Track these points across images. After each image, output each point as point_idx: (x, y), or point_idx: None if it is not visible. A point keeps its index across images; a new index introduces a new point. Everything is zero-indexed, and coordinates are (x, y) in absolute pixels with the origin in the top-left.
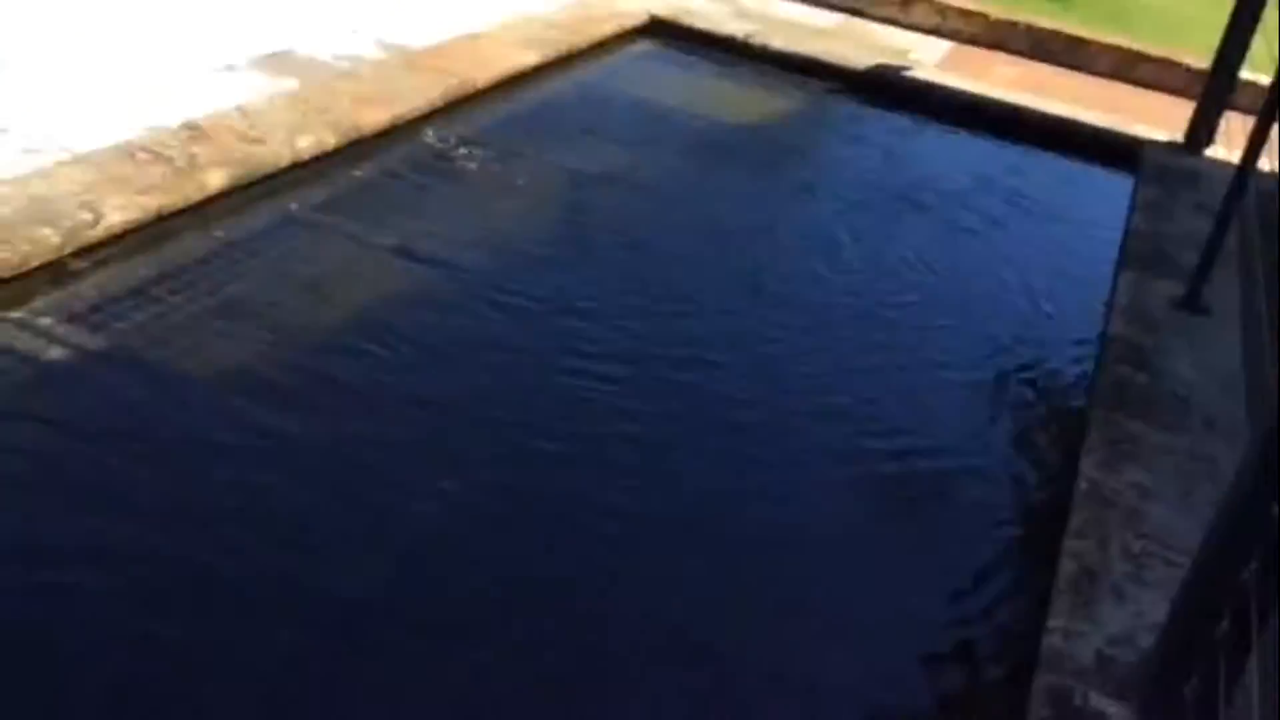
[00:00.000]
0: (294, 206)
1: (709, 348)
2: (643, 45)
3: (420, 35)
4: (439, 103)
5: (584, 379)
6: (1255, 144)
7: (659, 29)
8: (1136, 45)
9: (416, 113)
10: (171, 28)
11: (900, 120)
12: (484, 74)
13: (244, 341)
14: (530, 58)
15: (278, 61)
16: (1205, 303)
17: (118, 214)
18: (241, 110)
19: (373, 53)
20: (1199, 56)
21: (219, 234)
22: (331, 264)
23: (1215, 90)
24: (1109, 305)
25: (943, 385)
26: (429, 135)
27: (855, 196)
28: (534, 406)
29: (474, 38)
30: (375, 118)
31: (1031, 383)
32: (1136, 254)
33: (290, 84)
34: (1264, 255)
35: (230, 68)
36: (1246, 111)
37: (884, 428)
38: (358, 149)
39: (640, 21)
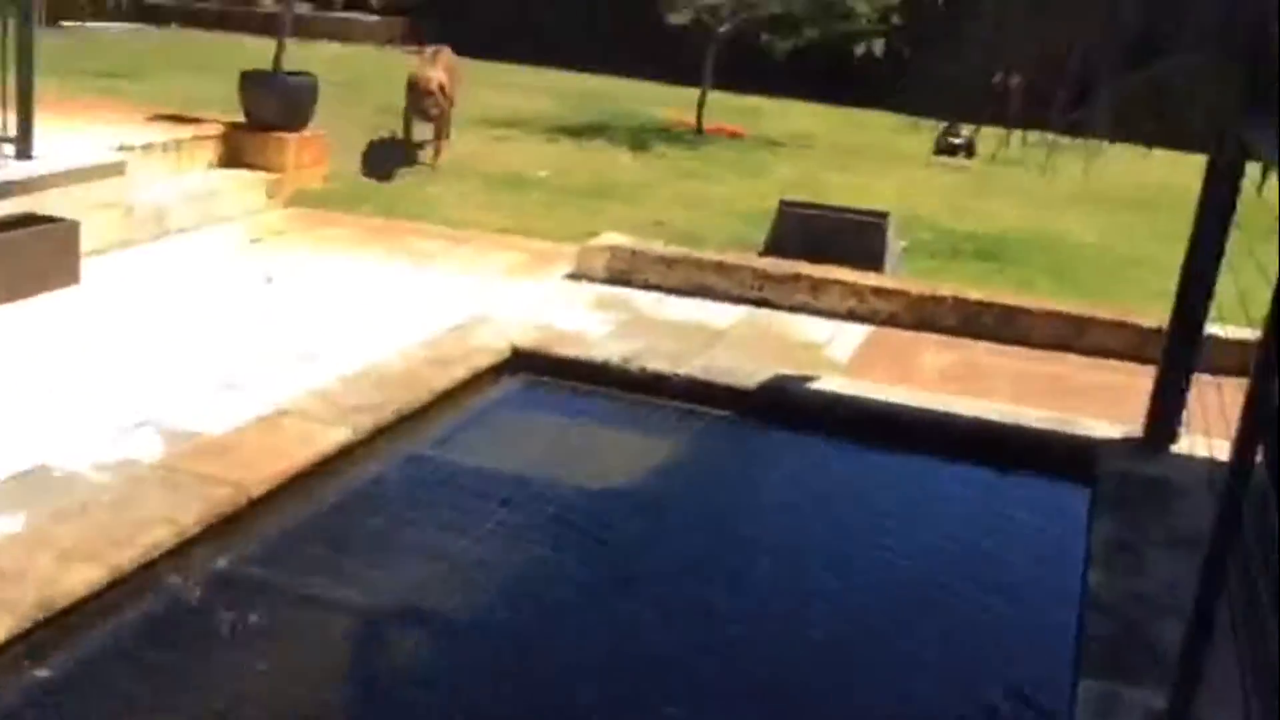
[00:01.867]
0: None
1: None
2: (503, 388)
3: (222, 418)
4: (192, 531)
5: None
6: (1245, 438)
7: (524, 363)
8: (1078, 310)
9: (154, 554)
10: None
11: (810, 446)
12: (267, 473)
13: None
14: (339, 435)
15: (16, 489)
16: None
17: None
18: None
19: (149, 455)
20: (1155, 311)
21: None
22: None
23: (1174, 363)
24: None
25: None
26: (163, 586)
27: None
28: None
29: (278, 416)
30: (85, 577)
31: None
32: (1097, 642)
33: (8, 528)
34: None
35: None
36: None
37: None
38: (47, 635)
39: (499, 358)
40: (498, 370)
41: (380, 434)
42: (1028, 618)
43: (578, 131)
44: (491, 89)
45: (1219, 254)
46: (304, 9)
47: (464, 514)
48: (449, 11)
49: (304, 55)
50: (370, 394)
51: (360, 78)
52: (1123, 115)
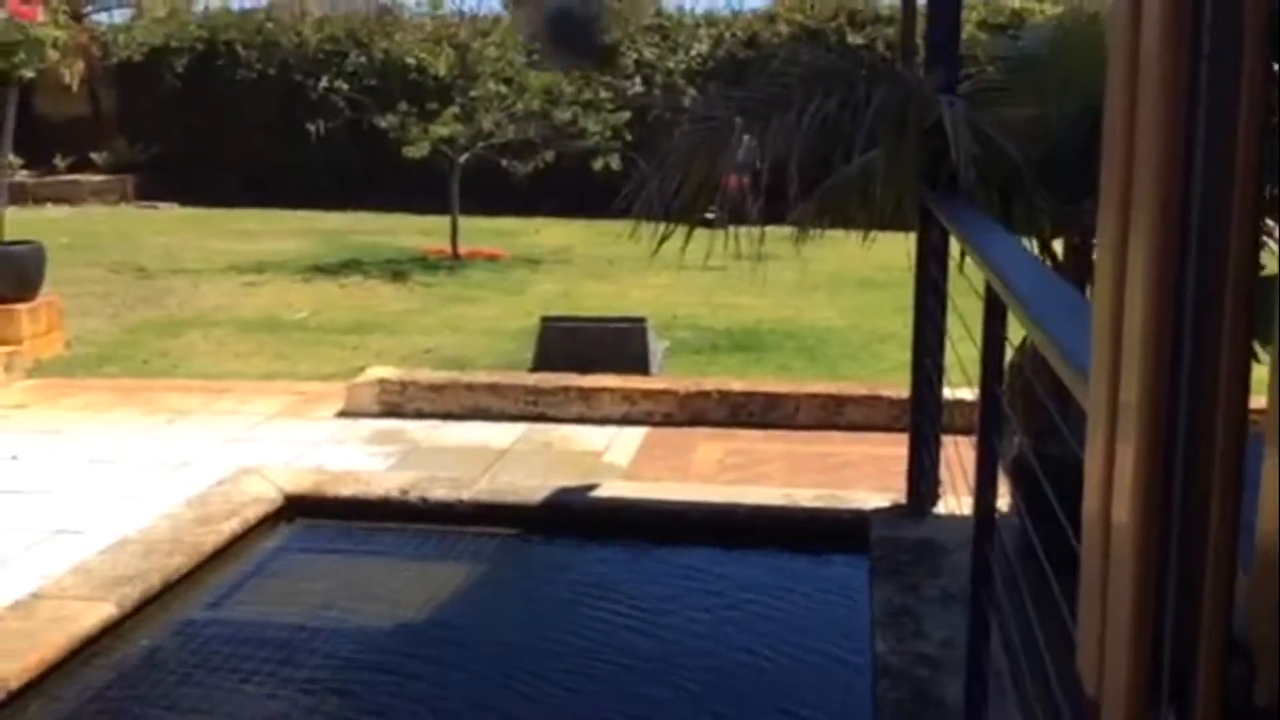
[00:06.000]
0: None
1: None
2: (280, 538)
3: None
4: None
5: None
6: (981, 492)
7: (299, 509)
8: (833, 389)
9: None
10: None
11: (599, 553)
12: (27, 662)
13: None
14: (105, 611)
15: None
16: None
17: None
18: None
19: None
20: (904, 381)
21: None
22: None
23: (920, 430)
24: None
25: None
26: None
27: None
28: None
29: (33, 599)
30: None
31: None
32: (890, 707)
33: None
34: None
35: None
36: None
37: None
38: None
39: (271, 507)
40: (272, 520)
41: (149, 604)
42: (825, 685)
43: (333, 270)
44: (235, 236)
45: (939, 325)
46: (23, 175)
47: (247, 672)
48: (186, 163)
49: (27, 221)
50: (134, 563)
51: (92, 238)
52: (828, 206)
